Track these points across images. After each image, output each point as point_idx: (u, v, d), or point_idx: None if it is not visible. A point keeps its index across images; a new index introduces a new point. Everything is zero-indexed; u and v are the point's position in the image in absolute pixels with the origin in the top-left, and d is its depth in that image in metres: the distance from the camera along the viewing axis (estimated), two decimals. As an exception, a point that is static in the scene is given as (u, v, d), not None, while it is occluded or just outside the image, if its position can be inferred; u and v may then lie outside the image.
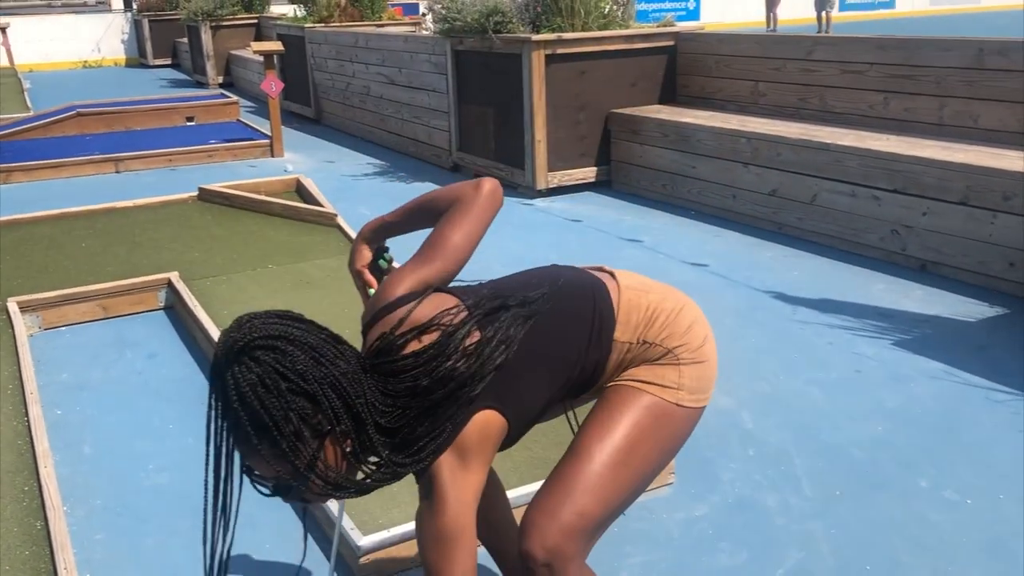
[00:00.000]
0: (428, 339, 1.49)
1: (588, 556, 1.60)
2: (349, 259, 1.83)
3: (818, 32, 16.80)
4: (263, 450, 1.39)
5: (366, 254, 1.81)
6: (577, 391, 1.67)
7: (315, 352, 1.43)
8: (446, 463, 1.47)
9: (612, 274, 1.71)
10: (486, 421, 1.51)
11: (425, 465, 1.47)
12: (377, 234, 1.81)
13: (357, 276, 1.82)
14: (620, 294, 1.66)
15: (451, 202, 1.68)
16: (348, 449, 1.47)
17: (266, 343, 1.40)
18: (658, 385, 1.61)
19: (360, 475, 1.52)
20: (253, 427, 1.38)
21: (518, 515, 1.76)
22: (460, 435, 1.48)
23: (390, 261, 1.85)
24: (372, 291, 1.81)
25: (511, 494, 2.36)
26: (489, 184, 1.68)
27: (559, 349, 1.59)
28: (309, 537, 2.41)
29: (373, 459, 1.50)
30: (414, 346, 1.49)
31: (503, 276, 1.73)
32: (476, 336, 1.51)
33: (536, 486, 2.38)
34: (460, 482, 1.47)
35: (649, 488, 2.52)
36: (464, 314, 1.52)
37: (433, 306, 1.54)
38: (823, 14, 18.53)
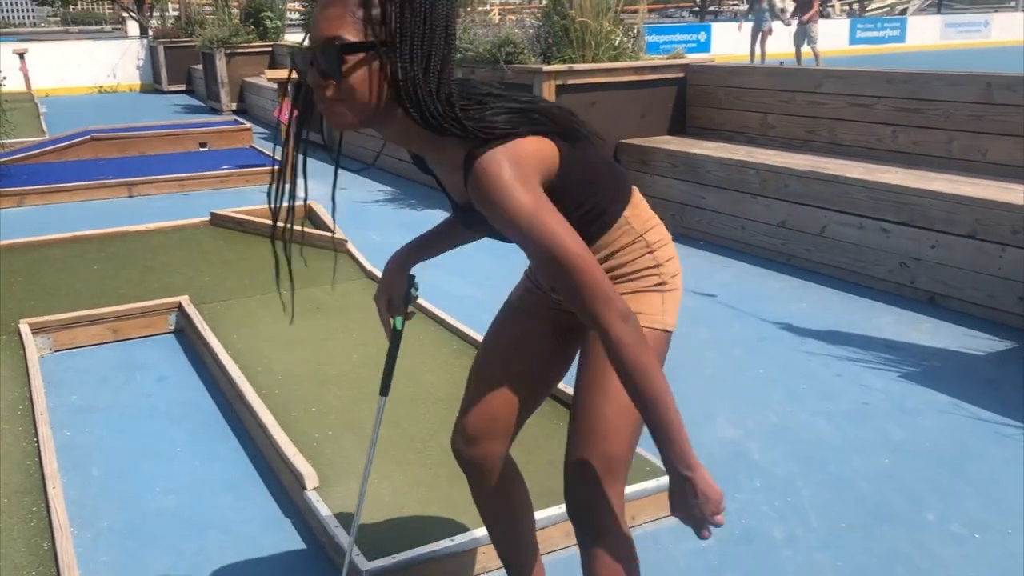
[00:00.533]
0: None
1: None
2: (376, 292, 1.84)
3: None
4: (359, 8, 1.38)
5: (395, 284, 1.82)
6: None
7: None
8: (498, 147, 1.43)
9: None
10: (542, 142, 1.50)
11: (473, 132, 1.43)
12: (407, 260, 1.83)
13: (383, 307, 1.84)
14: (635, 192, 1.72)
15: None
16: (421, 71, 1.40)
17: None
18: (644, 315, 1.65)
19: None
20: None
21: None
22: (517, 143, 1.45)
23: (416, 290, 1.85)
24: (397, 319, 1.81)
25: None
26: None
27: (593, 175, 1.61)
28: (315, 562, 2.41)
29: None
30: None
31: None
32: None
33: (544, 513, 2.39)
34: (520, 162, 1.43)
35: (655, 518, 2.54)
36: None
37: None
38: (805, 49, 17.17)
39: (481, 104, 1.47)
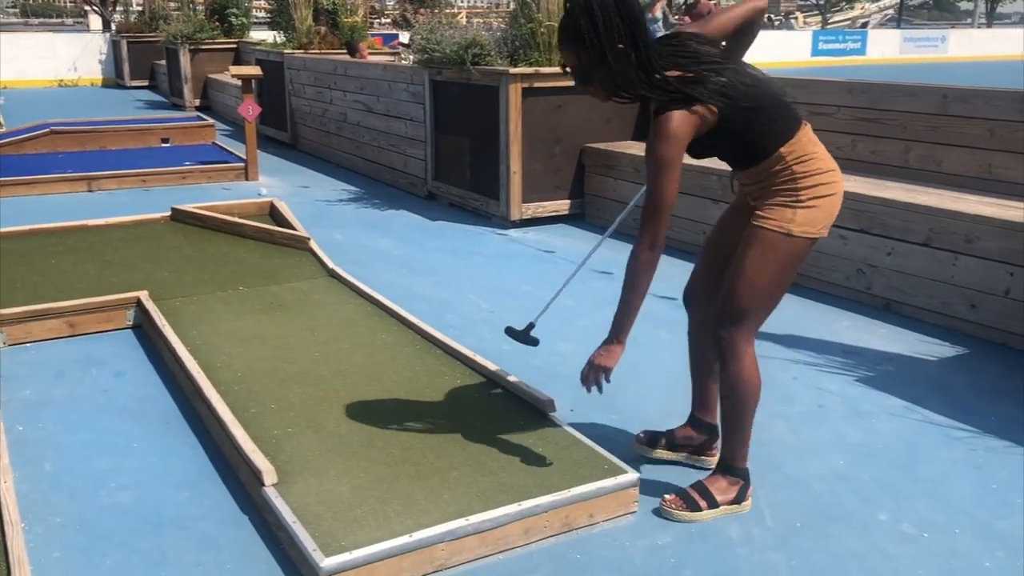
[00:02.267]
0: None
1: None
2: None
3: None
4: (572, 46, 2.35)
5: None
6: (739, 160, 2.51)
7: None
8: (676, 110, 2.31)
9: (804, 121, 2.48)
10: (707, 108, 2.33)
11: (664, 100, 2.32)
12: None
13: None
14: (802, 132, 2.44)
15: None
16: (632, 60, 2.31)
17: None
18: (775, 220, 2.42)
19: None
20: (584, 23, 2.29)
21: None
22: (684, 115, 2.30)
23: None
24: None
25: (479, 517, 2.37)
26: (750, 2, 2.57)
27: (748, 127, 2.40)
28: (272, 558, 2.40)
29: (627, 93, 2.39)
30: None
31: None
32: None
33: (503, 510, 2.40)
34: (681, 126, 2.31)
35: (613, 516, 2.57)
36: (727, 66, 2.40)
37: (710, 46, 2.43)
38: None
39: (679, 68, 2.32)
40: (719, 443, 2.78)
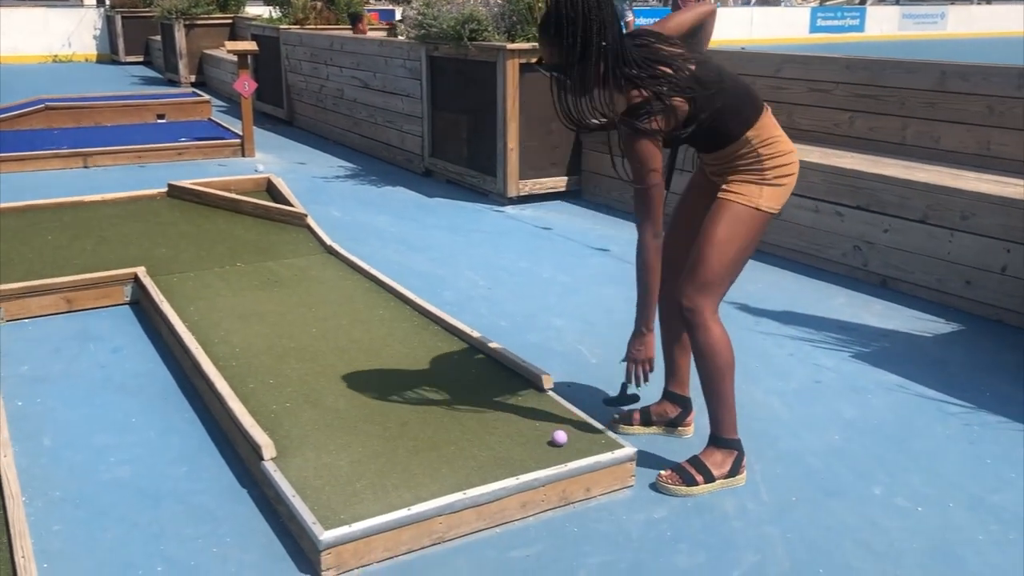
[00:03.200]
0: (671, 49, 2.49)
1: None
2: None
3: None
4: (555, 40, 2.39)
5: None
6: (707, 145, 2.60)
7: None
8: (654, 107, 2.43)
9: (765, 105, 2.61)
10: (680, 99, 2.45)
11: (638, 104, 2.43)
12: None
13: None
14: (765, 116, 2.57)
15: None
16: (601, 69, 2.41)
17: None
18: (744, 195, 2.54)
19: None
20: (560, 20, 2.36)
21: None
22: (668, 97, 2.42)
23: None
24: None
25: (477, 491, 2.39)
26: None
27: (717, 115, 2.51)
28: (271, 531, 2.42)
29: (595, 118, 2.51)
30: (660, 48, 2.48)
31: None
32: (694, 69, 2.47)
33: (501, 484, 2.42)
34: (655, 121, 2.43)
35: (610, 490, 2.60)
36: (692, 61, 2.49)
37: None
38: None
39: (650, 63, 2.43)
40: (692, 416, 2.95)
